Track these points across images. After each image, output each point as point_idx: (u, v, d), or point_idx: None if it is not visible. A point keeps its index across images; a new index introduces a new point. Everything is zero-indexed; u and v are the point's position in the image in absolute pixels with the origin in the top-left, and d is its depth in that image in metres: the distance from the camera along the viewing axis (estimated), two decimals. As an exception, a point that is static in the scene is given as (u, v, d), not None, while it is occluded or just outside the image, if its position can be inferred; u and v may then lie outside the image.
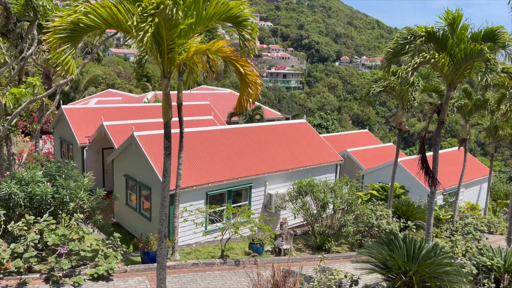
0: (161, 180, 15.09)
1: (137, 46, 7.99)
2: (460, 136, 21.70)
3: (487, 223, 21.99)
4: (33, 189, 11.06)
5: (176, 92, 13.61)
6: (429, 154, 16.30)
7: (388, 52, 10.66)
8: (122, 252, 11.67)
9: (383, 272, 9.34)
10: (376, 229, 16.63)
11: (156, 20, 5.61)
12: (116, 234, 11.79)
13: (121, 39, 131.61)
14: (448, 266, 9.14)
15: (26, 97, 12.28)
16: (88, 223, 12.29)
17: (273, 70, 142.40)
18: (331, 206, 16.51)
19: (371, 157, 31.32)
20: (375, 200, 18.69)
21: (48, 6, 10.87)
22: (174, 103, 32.00)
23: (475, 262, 11.90)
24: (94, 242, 11.49)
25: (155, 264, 11.84)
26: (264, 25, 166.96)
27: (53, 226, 10.72)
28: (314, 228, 16.45)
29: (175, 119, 23.53)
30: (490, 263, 11.56)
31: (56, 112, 23.61)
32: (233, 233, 13.23)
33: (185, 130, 17.87)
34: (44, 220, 10.64)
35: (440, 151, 35.37)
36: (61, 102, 22.55)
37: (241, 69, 6.60)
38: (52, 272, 10.34)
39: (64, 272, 10.51)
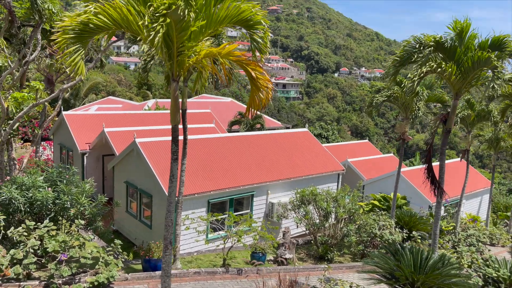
0: (162, 185, 15.03)
1: (146, 48, 7.86)
2: (462, 147, 21.61)
3: (489, 235, 21.81)
4: (34, 194, 10.89)
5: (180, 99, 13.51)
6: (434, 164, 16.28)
7: (394, 60, 10.62)
8: (123, 259, 11.46)
9: (390, 283, 9.17)
10: (379, 239, 16.47)
11: (168, 20, 5.53)
12: (117, 241, 11.60)
13: (122, 48, 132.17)
14: (456, 277, 8.99)
15: (28, 101, 12.17)
16: (89, 229, 12.09)
17: (273, 80, 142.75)
18: (333, 216, 16.36)
19: (372, 167, 31.25)
20: (378, 210, 18.54)
21: (53, 10, 10.80)
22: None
23: (481, 273, 11.75)
24: (94, 249, 11.28)
25: (157, 272, 11.67)
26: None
27: (54, 232, 10.53)
28: (316, 238, 16.27)
29: (189, 125, 23.54)
30: (496, 275, 11.41)
31: (57, 118, 23.50)
32: (236, 241, 13.04)
33: (189, 137, 17.80)
34: (45, 226, 10.46)
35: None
36: (62, 109, 22.46)
37: (252, 73, 6.51)
38: (51, 279, 10.12)
39: (64, 279, 10.29)
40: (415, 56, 9.81)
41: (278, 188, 18.39)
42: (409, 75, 9.66)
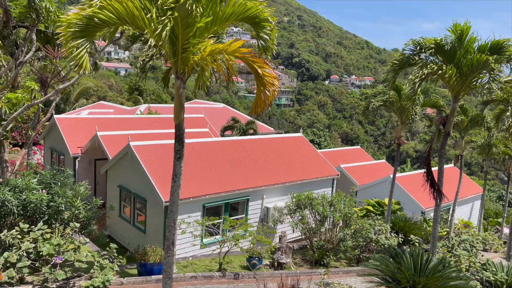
0: (157, 189, 14.83)
1: (146, 47, 7.72)
2: (452, 154, 21.76)
3: (482, 240, 21.93)
4: (27, 196, 10.65)
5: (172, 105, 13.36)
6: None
7: (393, 64, 10.65)
8: (118, 263, 11.24)
9: (391, 286, 9.10)
10: (374, 244, 16.45)
11: (176, 14, 5.44)
12: (113, 245, 11.39)
13: (112, 53, 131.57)
14: (457, 280, 8.96)
15: (22, 102, 11.94)
16: (83, 233, 11.85)
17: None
18: (329, 220, 16.30)
19: (364, 173, 31.36)
20: (373, 215, 18.53)
21: (51, 8, 10.64)
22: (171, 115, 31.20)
23: (478, 277, 11.75)
24: (89, 253, 11.05)
25: (153, 277, 11.47)
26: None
27: (48, 235, 10.30)
28: (312, 242, 16.18)
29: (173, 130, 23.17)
30: (493, 278, 11.42)
31: (47, 123, 23.17)
32: (233, 245, 12.89)
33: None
34: (39, 229, 10.22)
35: (432, 168, 35.40)
36: (53, 112, 22.15)
37: (259, 70, 6.43)
38: (45, 284, 9.88)
39: (58, 283, 10.06)
40: (416, 59, 9.86)
41: (274, 193, 18.29)
42: (410, 77, 9.70)
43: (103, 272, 10.55)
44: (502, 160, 25.85)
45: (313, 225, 16.17)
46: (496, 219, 34.94)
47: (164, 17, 5.39)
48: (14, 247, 10.08)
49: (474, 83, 10.25)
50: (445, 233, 20.59)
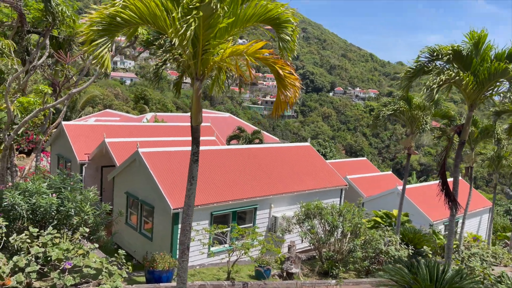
0: (165, 196, 14.69)
1: (175, 43, 7.57)
2: (466, 165, 21.58)
3: (492, 254, 21.58)
4: (37, 200, 10.54)
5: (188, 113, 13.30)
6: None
7: (407, 71, 10.57)
8: (127, 270, 11.07)
9: (408, 296, 8.90)
10: (384, 255, 16.21)
11: (201, 13, 5.40)
12: (121, 251, 11.23)
13: (118, 63, 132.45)
14: (476, 292, 8.75)
15: (34, 106, 11.92)
16: (92, 239, 11.70)
17: (268, 98, 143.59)
18: (339, 230, 16.09)
19: (371, 184, 31.17)
20: (383, 226, 18.30)
21: (67, 12, 10.67)
22: (182, 123, 31.21)
23: (493, 290, 11.51)
24: (97, 260, 10.90)
25: (161, 284, 11.29)
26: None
27: (57, 240, 10.16)
28: (321, 253, 15.95)
29: (183, 138, 23.18)
30: (509, 292, 11.17)
31: (54, 130, 23.17)
32: (243, 254, 12.70)
33: (190, 148, 17.56)
34: (48, 233, 10.09)
35: (438, 181, 35.09)
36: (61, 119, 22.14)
37: (280, 72, 6.35)
38: (53, 289, 9.71)
39: (66, 289, 9.87)
40: (431, 66, 9.77)
41: (281, 202, 18.12)
42: (427, 83, 9.61)
43: (112, 279, 10.37)
44: (511, 175, 25.57)
45: (322, 235, 15.96)
46: (504, 233, 34.53)
47: (189, 16, 5.35)
48: (22, 252, 9.95)
49: (490, 92, 10.16)
50: (455, 246, 20.29)
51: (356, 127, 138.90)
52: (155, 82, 9.79)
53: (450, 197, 10.55)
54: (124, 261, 11.22)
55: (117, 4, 5.67)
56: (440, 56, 9.76)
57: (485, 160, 23.71)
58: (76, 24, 12.92)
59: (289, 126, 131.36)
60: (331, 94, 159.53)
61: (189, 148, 17.24)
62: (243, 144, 31.79)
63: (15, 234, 10.02)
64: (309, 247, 17.99)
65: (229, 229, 15.71)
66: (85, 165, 21.14)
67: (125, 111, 49.15)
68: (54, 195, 10.85)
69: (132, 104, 58.36)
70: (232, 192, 16.65)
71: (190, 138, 21.65)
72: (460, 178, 29.31)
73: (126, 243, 17.40)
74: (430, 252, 17.03)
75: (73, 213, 11.02)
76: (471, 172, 20.90)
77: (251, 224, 17.14)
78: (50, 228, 10.36)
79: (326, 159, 43.37)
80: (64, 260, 9.89)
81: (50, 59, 15.91)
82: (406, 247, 16.75)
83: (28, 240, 9.88)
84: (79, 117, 42.36)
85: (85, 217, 11.24)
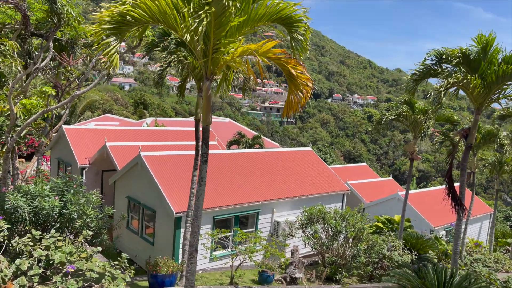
0: (168, 200, 14.56)
1: (186, 39, 7.45)
2: (468, 170, 21.51)
3: (494, 259, 21.47)
4: (40, 203, 10.42)
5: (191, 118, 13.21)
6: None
7: (413, 74, 10.54)
8: (130, 274, 10.91)
9: (416, 301, 8.79)
10: (387, 261, 16.08)
11: (213, 9, 5.35)
12: (124, 255, 11.07)
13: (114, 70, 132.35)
14: (484, 296, 8.65)
15: (37, 108, 11.83)
16: (94, 242, 11.56)
17: (266, 104, 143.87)
18: (342, 235, 15.97)
19: (371, 190, 31.11)
20: (386, 231, 18.19)
21: (72, 13, 10.61)
22: (175, 127, 31.21)
23: (499, 295, 11.40)
24: (100, 264, 10.75)
25: (165, 289, 11.14)
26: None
27: (60, 243, 10.02)
28: (324, 258, 15.81)
29: (191, 142, 23.02)
30: (516, 297, 11.07)
31: (55, 134, 23.06)
32: (247, 258, 12.57)
33: (193, 152, 17.47)
34: (51, 236, 9.95)
35: (438, 187, 35.23)
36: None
37: (293, 71, 6.30)
38: (56, 293, 9.55)
39: (69, 293, 9.72)
40: (438, 69, 9.74)
41: (284, 206, 18.01)
42: (434, 85, 9.57)
43: (115, 283, 10.22)
44: (511, 181, 25.52)
45: (325, 240, 15.84)
46: (504, 240, 34.42)
47: (201, 12, 5.30)
48: (24, 255, 9.81)
49: (497, 95, 10.14)
50: (457, 251, 20.16)
51: (355, 133, 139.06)
52: (160, 84, 9.70)
53: (457, 201, 10.48)
54: (127, 265, 11.07)
55: (127, 2, 5.62)
56: (449, 59, 9.75)
57: (486, 166, 23.66)
58: (79, 27, 12.88)
59: (288, 132, 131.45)
60: (329, 100, 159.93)
61: (191, 152, 17.17)
62: (243, 149, 31.73)
63: (17, 237, 9.89)
64: (311, 252, 17.86)
65: (231, 233, 15.58)
66: (86, 169, 21.02)
67: (124, 116, 49.04)
68: (56, 197, 10.74)
69: (131, 109, 58.26)
70: (234, 196, 16.55)
71: (191, 143, 21.74)
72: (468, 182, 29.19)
73: (127, 248, 17.24)
74: (435, 257, 16.91)
75: (75, 216, 10.90)
76: (473, 178, 20.85)
77: (253, 229, 17.02)
78: (53, 231, 10.22)
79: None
80: (67, 264, 9.75)
81: (52, 62, 15.86)
82: (409, 252, 16.63)
83: (31, 243, 9.75)
84: (79, 122, 42.22)
85: (88, 220, 11.12)
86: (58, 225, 10.87)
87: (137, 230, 16.88)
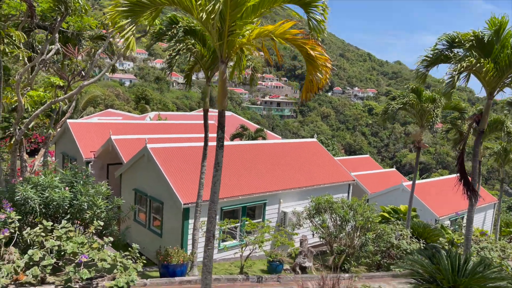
0: (175, 191, 14.52)
1: (202, 18, 7.31)
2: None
3: (500, 248, 21.48)
4: (50, 194, 10.38)
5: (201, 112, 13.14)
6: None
7: (424, 60, 10.46)
8: (141, 264, 10.90)
9: (432, 287, 8.76)
10: (395, 250, 16.09)
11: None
12: (135, 245, 11.07)
13: (117, 64, 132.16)
14: (500, 281, 8.62)
15: (44, 100, 11.76)
16: (105, 233, 11.54)
17: (267, 98, 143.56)
18: (350, 224, 15.96)
19: (375, 181, 31.08)
20: (393, 220, 18.18)
21: (80, 1, 10.51)
22: (177, 121, 31.21)
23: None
24: (111, 254, 10.74)
25: (176, 278, 11.15)
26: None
27: (71, 234, 10.00)
28: (332, 247, 15.82)
29: (195, 135, 23.00)
30: (528, 282, 11.03)
31: (59, 129, 22.99)
32: (257, 247, 12.56)
33: (198, 144, 17.42)
34: (63, 227, 9.93)
35: (442, 177, 35.07)
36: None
37: (311, 52, 6.23)
38: (69, 283, 9.53)
39: (82, 284, 9.72)
40: (449, 54, 9.66)
41: (290, 197, 17.99)
42: (447, 70, 9.51)
43: (127, 273, 10.21)
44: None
45: (333, 230, 15.83)
46: (508, 229, 34.45)
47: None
48: (35, 246, 9.79)
49: (509, 79, 10.06)
50: (463, 240, 20.17)
51: (355, 126, 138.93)
52: (169, 72, 9.63)
53: (469, 186, 10.43)
54: (138, 255, 11.06)
55: (143, -17, 5.55)
56: (461, 43, 9.66)
57: (492, 155, 23.61)
58: (85, 18, 12.77)
59: (289, 126, 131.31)
60: (329, 93, 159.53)
61: (196, 144, 17.08)
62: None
63: (28, 228, 9.87)
64: (319, 242, 17.87)
65: (240, 224, 15.57)
66: (91, 163, 20.96)
67: (126, 111, 48.95)
68: (66, 188, 10.70)
69: (133, 104, 58.17)
70: (241, 188, 16.52)
71: (195, 135, 21.64)
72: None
73: (134, 240, 17.01)
74: (446, 244, 16.92)
75: (86, 207, 10.87)
76: (479, 167, 20.77)
77: (260, 220, 17.01)
78: (64, 221, 10.20)
79: (329, 157, 43.35)
80: (80, 253, 9.73)
81: (56, 56, 15.76)
82: (417, 241, 16.65)
83: (43, 234, 9.72)
84: (81, 117, 42.13)
85: (98, 211, 11.09)
86: (68, 216, 10.83)
87: (144, 222, 16.86)
